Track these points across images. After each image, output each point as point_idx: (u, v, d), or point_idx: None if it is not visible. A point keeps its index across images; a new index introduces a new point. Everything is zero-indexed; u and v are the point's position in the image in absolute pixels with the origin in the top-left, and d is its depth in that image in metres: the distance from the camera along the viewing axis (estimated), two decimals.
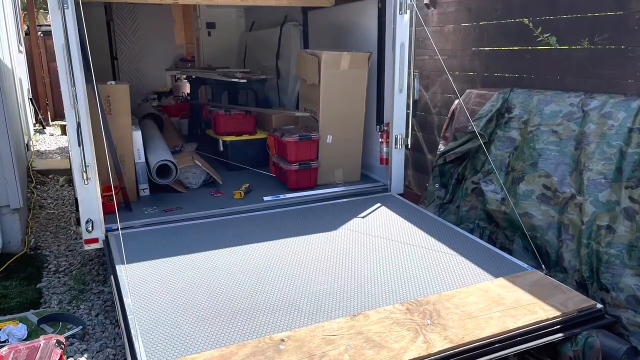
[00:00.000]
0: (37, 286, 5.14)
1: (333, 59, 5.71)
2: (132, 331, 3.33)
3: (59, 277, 5.32)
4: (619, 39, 4.44)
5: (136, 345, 3.21)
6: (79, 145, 4.49)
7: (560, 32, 4.88)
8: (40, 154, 10.61)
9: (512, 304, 3.57)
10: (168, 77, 10.49)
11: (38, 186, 8.25)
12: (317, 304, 3.62)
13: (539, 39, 5.00)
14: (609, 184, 4.24)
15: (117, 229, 4.55)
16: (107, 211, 4.85)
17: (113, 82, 5.54)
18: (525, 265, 4.18)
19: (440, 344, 3.16)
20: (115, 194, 4.95)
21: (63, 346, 3.72)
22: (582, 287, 4.25)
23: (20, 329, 4.20)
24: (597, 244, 4.18)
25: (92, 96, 4.73)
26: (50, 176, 8.78)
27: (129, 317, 3.48)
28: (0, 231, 5.72)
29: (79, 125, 4.47)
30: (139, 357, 3.09)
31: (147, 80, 10.24)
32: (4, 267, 5.47)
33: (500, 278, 3.91)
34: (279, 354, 3.07)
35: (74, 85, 4.42)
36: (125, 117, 5.43)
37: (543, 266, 4.33)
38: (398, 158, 5.77)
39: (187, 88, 9.70)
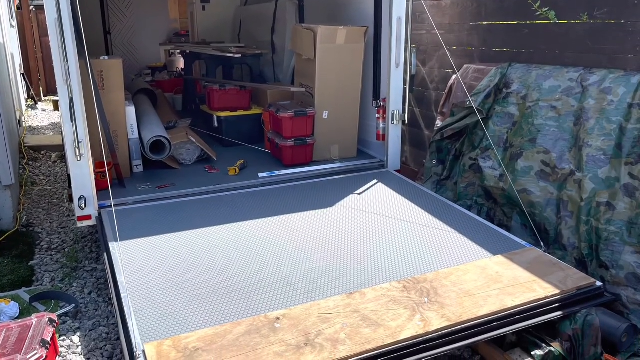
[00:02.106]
0: (29, 264, 5.07)
1: (329, 33, 5.61)
2: (126, 310, 3.29)
3: (51, 255, 5.26)
4: (619, 13, 4.35)
5: (130, 323, 3.17)
6: (72, 121, 4.41)
7: (559, 7, 4.79)
8: (32, 129, 10.49)
9: (511, 281, 3.53)
10: (162, 52, 10.36)
11: (30, 162, 8.15)
12: (312, 282, 3.58)
13: (538, 13, 4.90)
14: (608, 160, 4.18)
15: (111, 206, 4.50)
16: (100, 188, 4.79)
17: (106, 57, 5.44)
18: (523, 243, 4.14)
19: (437, 322, 3.12)
20: (108, 170, 4.90)
21: (55, 324, 3.68)
22: (581, 264, 4.21)
23: (12, 307, 4.15)
24: (597, 221, 4.14)
25: (85, 71, 4.65)
26: (42, 152, 8.68)
27: (122, 295, 3.44)
28: None
29: (71, 100, 4.39)
30: (132, 336, 3.05)
31: (141, 55, 10.12)
32: None
33: (499, 255, 3.87)
34: (274, 332, 3.03)
35: (67, 60, 4.33)
36: (118, 92, 5.33)
37: (542, 243, 4.30)
38: (395, 134, 5.70)
39: (181, 63, 9.57)
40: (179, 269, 3.73)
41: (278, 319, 3.16)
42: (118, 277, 3.63)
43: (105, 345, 3.87)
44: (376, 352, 2.93)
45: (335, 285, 3.53)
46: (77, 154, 4.49)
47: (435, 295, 3.38)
